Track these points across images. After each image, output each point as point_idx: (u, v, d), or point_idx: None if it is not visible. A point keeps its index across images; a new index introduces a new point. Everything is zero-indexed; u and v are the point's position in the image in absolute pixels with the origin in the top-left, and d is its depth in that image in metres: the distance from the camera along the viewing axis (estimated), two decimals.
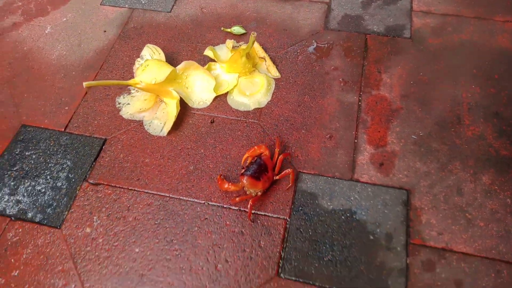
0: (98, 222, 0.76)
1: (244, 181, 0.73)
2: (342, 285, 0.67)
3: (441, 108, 0.85)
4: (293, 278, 0.68)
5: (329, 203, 0.75)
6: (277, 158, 0.78)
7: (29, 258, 0.72)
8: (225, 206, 0.76)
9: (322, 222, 0.73)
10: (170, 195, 0.78)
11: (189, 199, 0.77)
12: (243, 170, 0.75)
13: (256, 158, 0.76)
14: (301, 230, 0.73)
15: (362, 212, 0.74)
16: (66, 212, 0.77)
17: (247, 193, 0.75)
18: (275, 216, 0.74)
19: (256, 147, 0.79)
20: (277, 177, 0.76)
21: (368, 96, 0.88)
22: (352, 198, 0.75)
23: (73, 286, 0.69)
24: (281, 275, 0.68)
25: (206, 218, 0.75)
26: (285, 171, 0.76)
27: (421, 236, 0.70)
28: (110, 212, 0.77)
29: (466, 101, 0.86)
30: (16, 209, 0.77)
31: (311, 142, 0.83)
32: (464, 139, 0.81)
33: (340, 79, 0.92)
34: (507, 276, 0.65)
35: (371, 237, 0.71)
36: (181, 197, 0.77)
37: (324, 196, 0.76)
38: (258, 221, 0.74)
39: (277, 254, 0.70)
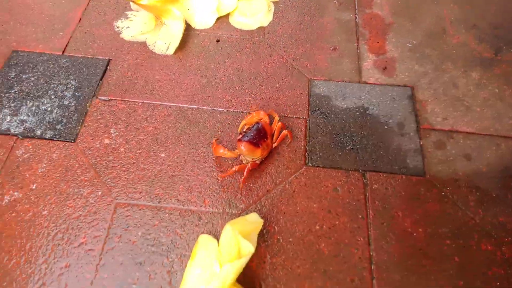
0: (116, 133, 0.73)
1: (242, 148, 0.66)
2: (366, 167, 0.71)
3: (428, 22, 0.93)
4: (321, 166, 0.71)
5: (342, 103, 0.79)
6: (277, 125, 0.72)
7: (46, 171, 0.68)
8: (245, 111, 0.77)
9: (339, 119, 0.77)
10: (188, 105, 0.77)
11: (208, 108, 0.77)
12: (240, 136, 0.68)
13: (254, 124, 0.71)
14: (321, 126, 0.76)
15: (374, 107, 0.79)
16: (79, 127, 0.74)
17: (243, 162, 0.69)
18: (294, 117, 0.77)
19: (254, 113, 0.72)
20: (275, 144, 0.72)
21: (363, 14, 0.94)
22: (363, 97, 0.80)
23: (99, 193, 0.67)
24: (309, 164, 0.71)
25: (229, 123, 0.76)
26: (281, 134, 0.72)
27: (429, 122, 0.77)
28: (127, 124, 0.74)
29: (448, 16, 0.95)
30: (22, 128, 0.73)
31: (317, 54, 0.86)
32: (451, 45, 0.89)
33: (335, 1, 0.97)
34: (505, 148, 0.74)
35: (385, 127, 0.76)
36: (199, 107, 0.77)
37: (337, 97, 0.80)
38: (280, 122, 0.76)
39: (302, 148, 0.73)
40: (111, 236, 0.62)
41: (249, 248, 0.54)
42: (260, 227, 0.61)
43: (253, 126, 0.70)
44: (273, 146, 0.71)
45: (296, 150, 0.73)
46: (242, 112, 0.77)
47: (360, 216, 0.66)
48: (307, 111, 0.78)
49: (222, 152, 0.68)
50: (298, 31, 0.90)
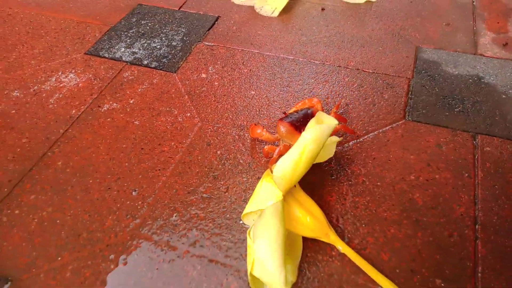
0: (213, 71, 0.75)
1: (281, 128, 0.57)
2: (477, 130, 0.62)
3: None
4: (423, 122, 0.63)
5: (453, 69, 0.72)
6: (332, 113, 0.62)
7: (145, 91, 0.72)
8: (341, 66, 0.74)
9: (448, 83, 0.69)
10: (285, 56, 0.77)
11: (304, 59, 0.76)
12: (283, 116, 0.60)
13: (304, 108, 0.61)
14: (426, 87, 0.69)
15: (490, 77, 0.70)
16: (181, 62, 0.77)
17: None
18: (396, 75, 0.71)
19: (306, 100, 0.64)
20: None
21: (481, 0, 0.88)
22: (478, 67, 0.72)
23: (188, 114, 0.68)
24: (408, 118, 0.64)
25: (324, 74, 0.73)
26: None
27: None
28: (225, 65, 0.76)
29: None
30: (132, 58, 0.79)
31: (428, 27, 0.81)
32: None
33: None
34: None
35: (504, 96, 0.66)
36: (295, 58, 0.77)
37: (448, 64, 0.73)
38: (378, 79, 0.71)
39: (402, 103, 0.67)
40: (191, 150, 0.62)
41: (330, 121, 0.46)
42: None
43: (301, 110, 0.60)
44: None
45: (394, 104, 0.67)
46: (339, 66, 0.74)
47: (466, 175, 0.56)
48: (412, 72, 0.72)
49: (260, 132, 0.60)
50: (408, 6, 0.87)
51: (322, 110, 0.60)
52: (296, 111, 0.59)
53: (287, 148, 0.56)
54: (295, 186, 0.50)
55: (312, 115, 0.57)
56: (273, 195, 0.49)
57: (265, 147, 0.59)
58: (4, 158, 0.62)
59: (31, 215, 0.55)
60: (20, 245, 0.52)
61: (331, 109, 0.65)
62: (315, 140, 0.43)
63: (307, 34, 0.82)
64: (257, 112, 0.67)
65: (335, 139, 0.56)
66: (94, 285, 0.47)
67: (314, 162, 0.54)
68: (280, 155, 0.55)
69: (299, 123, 0.57)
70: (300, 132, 0.55)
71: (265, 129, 0.60)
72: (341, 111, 0.66)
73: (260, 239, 0.41)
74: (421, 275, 0.47)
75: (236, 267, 0.48)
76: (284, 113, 0.59)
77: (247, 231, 0.49)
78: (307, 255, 0.49)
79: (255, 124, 0.61)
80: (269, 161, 0.58)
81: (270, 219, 0.42)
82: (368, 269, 0.46)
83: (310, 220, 0.47)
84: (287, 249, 0.44)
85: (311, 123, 0.47)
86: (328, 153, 0.55)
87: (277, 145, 0.58)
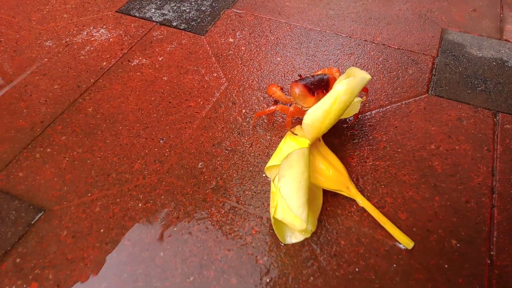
0: (241, 36, 0.77)
1: (295, 90, 0.57)
2: (498, 108, 0.63)
3: None
4: (445, 97, 0.65)
5: (478, 52, 0.73)
6: None
7: (173, 50, 0.74)
8: (368, 40, 0.75)
9: (472, 64, 0.71)
10: (313, 27, 0.78)
11: (331, 32, 0.77)
12: (298, 79, 0.60)
13: (320, 74, 0.61)
14: (450, 66, 0.70)
15: None
16: (210, 26, 0.79)
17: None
18: (421, 53, 0.73)
19: (326, 69, 0.64)
20: None
21: None
22: (502, 51, 0.73)
23: (215, 75, 0.69)
24: (431, 93, 0.65)
25: (350, 47, 0.74)
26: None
27: None
28: (252, 31, 0.78)
29: None
30: (162, 18, 0.80)
31: (454, 11, 0.82)
32: None
33: None
34: None
35: None
36: (322, 30, 0.78)
37: (472, 46, 0.74)
38: (403, 55, 0.72)
39: (426, 79, 0.68)
40: (217, 107, 0.64)
41: (364, 74, 0.47)
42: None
43: (317, 75, 0.60)
44: None
45: (418, 79, 0.68)
46: (365, 40, 0.75)
47: (486, 148, 0.58)
48: (437, 51, 0.73)
49: (274, 90, 0.61)
50: None
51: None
52: (312, 76, 0.60)
53: (298, 110, 0.57)
54: (320, 140, 0.51)
55: (327, 81, 0.58)
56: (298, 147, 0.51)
57: (277, 105, 0.58)
58: (37, 101, 0.64)
59: (62, 153, 0.57)
60: (52, 179, 0.54)
61: None
62: (347, 91, 0.44)
63: (334, 9, 0.83)
64: (282, 77, 0.69)
65: (359, 99, 0.58)
66: (122, 221, 0.49)
67: (342, 117, 0.56)
68: (292, 116, 0.56)
69: (313, 86, 0.57)
70: (314, 95, 0.56)
71: (279, 88, 0.61)
72: None
73: (286, 178, 0.43)
74: (437, 234, 0.48)
75: (258, 214, 0.50)
76: (300, 75, 0.60)
77: (271, 179, 0.50)
78: (326, 208, 0.51)
79: (272, 83, 0.62)
80: (285, 123, 0.58)
81: (296, 161, 0.43)
82: (385, 223, 0.48)
83: (333, 173, 0.49)
84: (309, 200, 0.46)
85: (343, 77, 0.48)
86: (354, 109, 0.57)
87: (289, 106, 0.59)
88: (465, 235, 0.48)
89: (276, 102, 0.64)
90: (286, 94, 0.60)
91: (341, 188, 0.49)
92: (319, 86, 0.57)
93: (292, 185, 0.42)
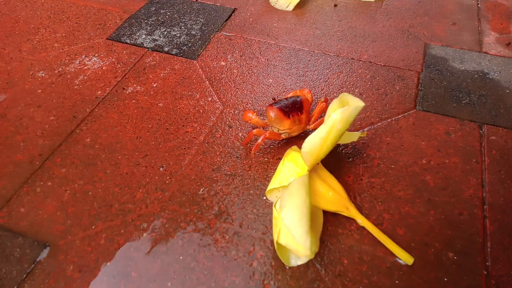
0: (232, 59, 0.79)
1: (270, 113, 0.59)
2: (483, 120, 0.66)
3: None
4: (432, 111, 0.68)
5: (460, 65, 0.76)
6: (319, 106, 0.63)
7: (167, 76, 0.75)
8: (354, 58, 0.78)
9: (455, 77, 0.74)
10: (301, 47, 0.81)
11: (319, 52, 0.80)
12: (272, 102, 0.62)
13: (293, 96, 0.63)
14: (435, 80, 0.73)
15: (495, 73, 0.74)
16: (201, 50, 0.80)
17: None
18: (406, 69, 0.75)
19: (298, 90, 0.66)
20: (311, 126, 0.63)
21: (485, 2, 0.92)
22: (483, 63, 0.76)
23: (209, 99, 0.71)
24: (419, 108, 0.68)
25: (338, 66, 0.77)
26: (320, 119, 0.63)
27: None
28: (242, 54, 0.80)
29: None
30: (153, 44, 0.82)
31: (435, 25, 0.86)
32: None
33: None
34: None
35: (507, 91, 0.71)
36: (311, 50, 0.80)
37: (455, 60, 0.77)
38: (390, 71, 0.75)
39: (413, 94, 0.71)
40: (214, 131, 0.65)
41: (357, 103, 0.48)
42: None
43: (291, 98, 0.62)
44: (308, 128, 0.63)
45: (406, 95, 0.71)
46: (352, 58, 0.78)
47: (474, 160, 0.60)
48: (421, 66, 0.76)
49: (250, 116, 0.62)
50: (417, 6, 0.91)
51: (312, 101, 0.65)
52: (286, 98, 0.62)
53: (273, 134, 0.59)
54: (318, 163, 0.53)
55: (301, 103, 0.60)
56: (296, 172, 0.52)
57: (254, 130, 0.60)
58: (33, 133, 0.65)
59: (63, 186, 0.57)
60: (55, 213, 0.54)
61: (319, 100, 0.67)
62: (341, 120, 0.46)
63: (321, 28, 0.86)
64: (276, 98, 0.70)
65: (358, 133, 0.60)
66: (127, 252, 0.50)
67: (339, 142, 0.58)
68: (265, 139, 0.59)
69: (288, 109, 0.59)
70: (289, 117, 0.59)
71: (255, 114, 0.62)
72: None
73: (287, 208, 0.44)
74: (434, 248, 0.51)
75: (261, 237, 0.51)
76: (274, 99, 0.62)
77: (273, 204, 0.52)
78: (327, 228, 0.52)
79: (248, 109, 0.63)
80: (254, 146, 0.59)
81: (296, 190, 0.45)
82: (386, 241, 0.50)
83: (332, 195, 0.51)
84: (311, 224, 0.47)
85: (334, 105, 0.50)
86: (352, 138, 0.59)
87: (266, 130, 0.61)
88: (461, 247, 0.51)
89: (253, 127, 0.65)
90: (256, 115, 0.62)
91: (341, 209, 0.51)
92: (294, 109, 0.60)
93: (294, 214, 0.44)
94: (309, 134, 0.59)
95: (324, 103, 0.63)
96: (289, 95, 0.65)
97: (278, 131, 0.61)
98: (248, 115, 0.62)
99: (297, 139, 0.63)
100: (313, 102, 0.68)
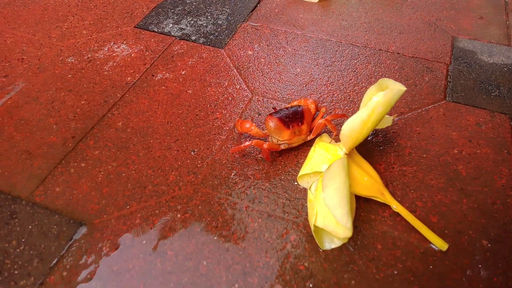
0: (259, 48, 0.79)
1: (270, 123, 0.56)
2: None
3: None
4: (462, 103, 0.67)
5: (489, 58, 0.76)
6: (321, 118, 0.60)
7: (195, 64, 0.75)
8: (382, 49, 0.78)
9: (484, 70, 0.73)
10: (328, 38, 0.81)
11: (346, 42, 0.80)
12: (272, 112, 0.59)
13: (294, 106, 0.60)
14: (464, 72, 0.73)
15: None
16: (228, 39, 0.81)
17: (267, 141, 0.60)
18: (435, 61, 0.75)
19: (302, 99, 0.64)
20: (311, 136, 0.60)
21: None
22: (511, 57, 0.76)
23: (238, 87, 0.71)
24: (448, 99, 0.68)
25: (366, 56, 0.77)
26: (317, 122, 0.59)
27: None
28: (269, 43, 0.80)
29: None
30: (180, 33, 0.82)
31: (462, 19, 0.85)
32: None
33: None
34: None
35: None
36: (338, 41, 0.80)
37: (483, 53, 0.77)
38: (418, 63, 0.75)
39: (442, 86, 0.70)
40: (244, 118, 0.65)
41: (399, 86, 0.48)
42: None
43: (291, 107, 0.59)
44: (308, 138, 0.60)
45: (435, 86, 0.70)
46: (380, 50, 0.78)
47: (505, 151, 0.60)
48: (449, 59, 0.76)
49: (248, 127, 0.59)
50: (442, 0, 0.91)
51: (314, 113, 0.61)
52: (286, 108, 0.59)
53: (273, 146, 0.57)
54: (353, 149, 0.53)
55: (302, 113, 0.58)
56: (327, 158, 0.53)
57: (250, 141, 0.56)
58: (65, 117, 0.65)
59: (97, 168, 0.58)
60: (89, 193, 0.55)
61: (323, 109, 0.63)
62: (384, 103, 0.46)
63: (347, 19, 0.86)
64: (304, 87, 0.71)
65: (394, 117, 0.60)
66: (163, 231, 0.51)
67: (376, 128, 0.58)
68: (267, 154, 0.56)
69: (288, 119, 0.57)
70: (289, 128, 0.57)
71: (254, 124, 0.59)
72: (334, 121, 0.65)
73: (329, 189, 0.45)
74: (468, 236, 0.50)
75: (294, 221, 0.52)
76: (274, 108, 0.60)
77: (308, 188, 0.52)
78: (360, 214, 0.53)
79: (243, 119, 0.61)
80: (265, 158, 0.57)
81: (337, 171, 0.45)
82: (420, 227, 0.50)
83: (368, 180, 0.51)
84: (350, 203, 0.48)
85: (372, 90, 0.50)
86: (387, 122, 0.59)
87: (266, 141, 0.59)
88: (495, 235, 0.50)
89: (250, 137, 0.62)
90: (255, 125, 0.59)
91: (376, 194, 0.51)
92: (294, 119, 0.57)
93: (335, 195, 0.44)
94: (309, 144, 0.60)
95: (324, 119, 0.59)
96: (293, 103, 0.63)
97: (277, 141, 0.58)
98: (246, 126, 0.59)
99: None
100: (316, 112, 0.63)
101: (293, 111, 0.58)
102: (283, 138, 0.57)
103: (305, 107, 0.59)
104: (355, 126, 0.47)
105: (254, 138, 0.61)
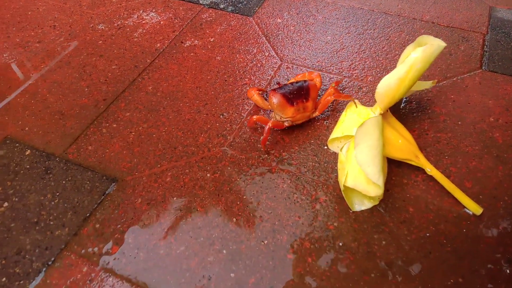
0: (288, 16, 0.78)
1: (273, 100, 0.54)
2: None
3: None
4: (499, 72, 0.65)
5: None
6: (329, 96, 0.57)
7: (223, 31, 0.75)
8: (416, 18, 0.75)
9: None
10: (360, 6, 0.79)
11: (379, 11, 0.78)
12: (277, 87, 0.57)
13: (300, 81, 0.57)
14: (501, 42, 0.70)
15: None
16: (257, 8, 0.80)
17: (271, 118, 0.57)
18: (471, 30, 0.72)
19: (307, 73, 0.61)
20: (317, 114, 0.58)
21: None
22: None
23: (266, 53, 0.70)
24: (485, 68, 0.65)
25: (399, 25, 0.74)
26: (325, 99, 0.57)
27: None
28: (299, 11, 0.79)
29: None
30: (209, 1, 0.82)
31: None
32: None
33: None
34: None
35: None
36: (370, 9, 0.78)
37: None
38: (453, 32, 0.72)
39: (478, 55, 0.68)
40: (272, 85, 0.65)
41: (439, 42, 0.46)
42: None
43: (297, 82, 0.56)
44: (314, 115, 0.58)
45: (471, 55, 0.68)
46: (414, 19, 0.75)
47: None
48: (486, 29, 0.73)
49: (255, 97, 0.58)
50: None
51: (321, 85, 0.59)
52: (291, 83, 0.57)
53: (276, 124, 0.54)
54: (387, 111, 0.52)
55: (307, 88, 0.55)
56: (359, 122, 0.52)
57: (254, 117, 0.55)
58: (97, 80, 0.66)
59: (128, 128, 0.59)
60: (121, 152, 0.56)
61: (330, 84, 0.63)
62: (423, 59, 0.45)
63: None
64: (334, 55, 0.69)
65: (432, 82, 0.58)
66: (193, 189, 0.51)
67: (413, 89, 0.56)
68: (269, 132, 0.53)
69: (292, 96, 0.54)
70: (293, 105, 0.54)
71: (259, 92, 0.58)
72: (340, 87, 0.64)
73: (361, 146, 0.44)
74: (503, 201, 0.49)
75: (324, 183, 0.51)
76: (278, 83, 0.58)
77: (339, 149, 0.51)
78: (392, 178, 0.52)
79: (254, 87, 0.61)
80: (261, 140, 0.54)
81: (371, 128, 0.44)
82: (454, 190, 0.48)
83: (402, 142, 0.50)
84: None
85: (409, 48, 0.49)
86: (424, 85, 0.57)
87: (268, 117, 0.57)
88: None
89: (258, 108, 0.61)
90: (259, 94, 0.59)
91: (410, 157, 0.50)
92: (299, 95, 0.55)
93: (368, 152, 0.43)
94: (314, 122, 0.58)
95: (333, 89, 0.57)
96: (298, 77, 0.61)
97: (280, 118, 0.56)
98: (252, 92, 0.59)
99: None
100: (322, 85, 0.62)
101: (298, 87, 0.55)
102: (286, 115, 0.55)
103: (311, 83, 0.56)
104: (392, 84, 0.46)
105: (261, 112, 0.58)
